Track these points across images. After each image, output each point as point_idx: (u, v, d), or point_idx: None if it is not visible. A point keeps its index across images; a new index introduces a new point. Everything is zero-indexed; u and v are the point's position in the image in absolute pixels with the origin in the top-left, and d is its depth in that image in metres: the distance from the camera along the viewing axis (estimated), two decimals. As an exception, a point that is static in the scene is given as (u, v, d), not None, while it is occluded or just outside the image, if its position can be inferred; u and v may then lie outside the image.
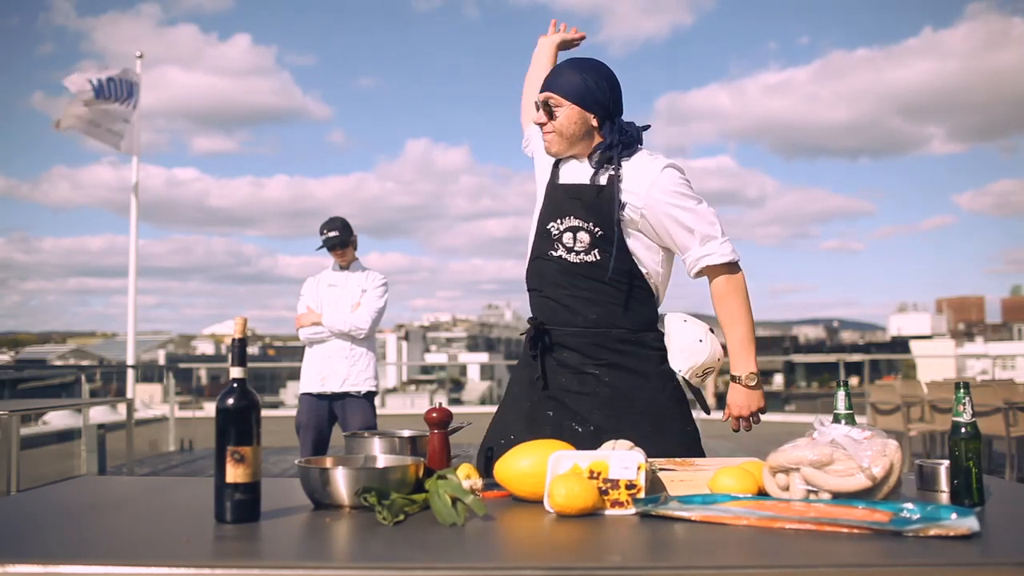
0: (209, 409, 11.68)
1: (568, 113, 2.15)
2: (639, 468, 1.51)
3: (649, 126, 2.22)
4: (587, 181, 2.14)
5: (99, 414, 8.98)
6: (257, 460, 1.44)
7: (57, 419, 10.42)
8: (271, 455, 9.14)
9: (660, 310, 2.22)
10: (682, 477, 1.63)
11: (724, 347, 2.16)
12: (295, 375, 6.33)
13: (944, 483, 1.55)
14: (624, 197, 2.10)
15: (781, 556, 1.20)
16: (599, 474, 1.51)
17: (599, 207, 2.10)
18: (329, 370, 4.67)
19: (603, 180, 2.12)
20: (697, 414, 2.25)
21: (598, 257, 2.11)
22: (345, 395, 4.67)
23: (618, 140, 2.14)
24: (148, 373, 17.44)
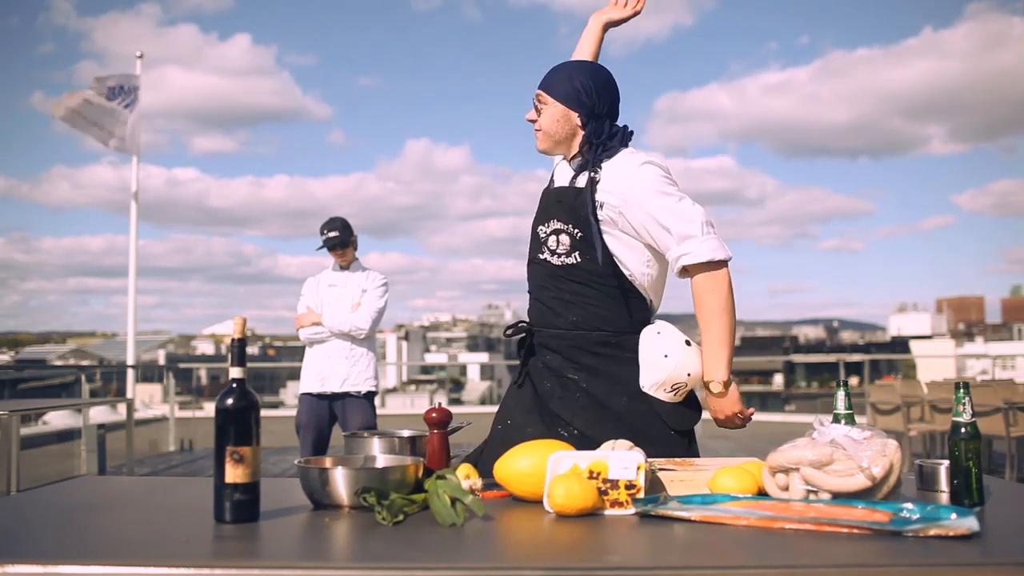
0: (209, 409, 11.67)
1: (551, 111, 2.17)
2: (639, 468, 1.51)
3: (632, 132, 2.20)
4: (568, 183, 2.15)
5: (99, 414, 8.98)
6: (257, 460, 1.44)
7: (57, 419, 10.43)
8: (271, 455, 9.14)
9: (659, 314, 2.21)
10: (682, 477, 1.63)
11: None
12: (295, 375, 6.33)
13: (944, 483, 1.55)
14: (602, 197, 2.08)
15: (781, 556, 1.20)
16: (599, 474, 1.51)
17: (577, 208, 2.09)
18: (329, 370, 4.67)
19: (581, 181, 2.12)
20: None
21: (579, 259, 2.10)
22: (345, 395, 4.67)
23: (596, 142, 2.13)
24: (148, 373, 17.45)
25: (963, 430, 1.57)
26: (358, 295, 4.73)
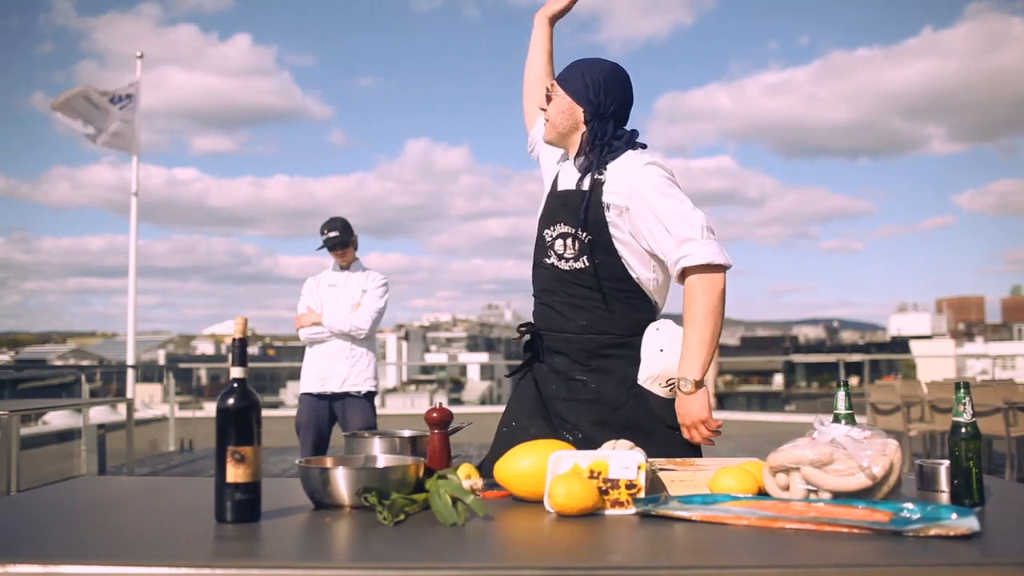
0: (209, 409, 11.68)
1: (559, 103, 2.18)
2: (639, 468, 1.51)
3: (639, 135, 2.20)
4: (574, 186, 2.14)
5: (99, 414, 8.98)
6: (257, 460, 1.44)
7: (57, 419, 10.42)
8: (271, 455, 9.14)
9: (663, 314, 2.21)
10: (682, 477, 1.63)
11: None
12: (295, 375, 6.33)
13: (944, 483, 1.55)
14: (608, 199, 2.08)
15: (781, 556, 1.20)
16: (599, 474, 1.51)
17: (583, 212, 2.09)
18: (329, 370, 4.67)
19: (586, 184, 2.11)
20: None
21: (587, 264, 2.10)
22: (345, 395, 4.67)
23: (598, 142, 2.13)
24: (148, 373, 17.44)
25: (963, 430, 1.57)
26: (358, 295, 4.73)
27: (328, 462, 1.66)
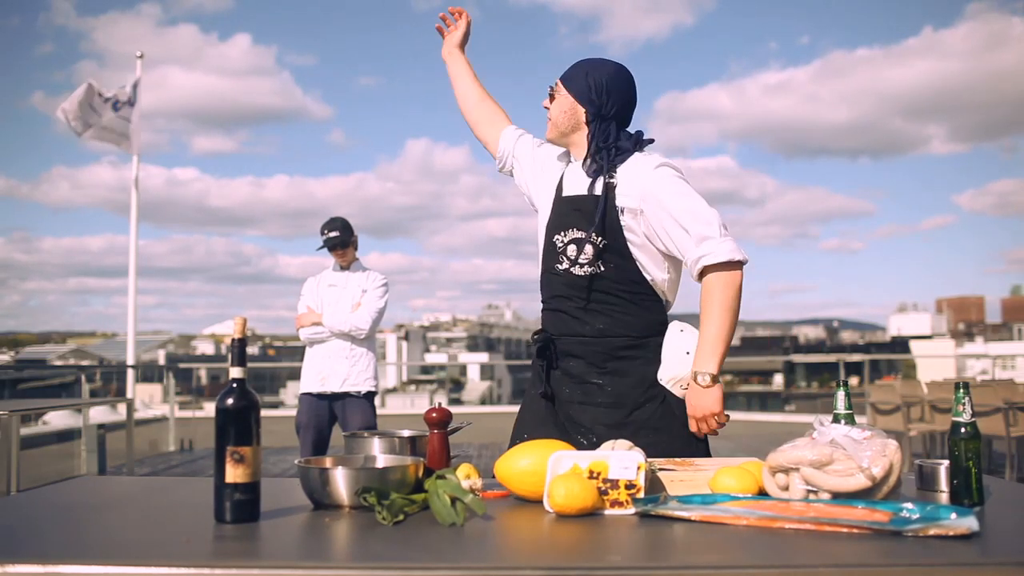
0: (209, 409, 11.67)
1: (561, 102, 2.19)
2: (639, 468, 1.51)
3: (644, 135, 2.19)
4: (585, 191, 2.13)
5: (99, 414, 8.98)
6: (257, 460, 1.44)
7: (57, 419, 10.42)
8: (271, 455, 9.14)
9: (673, 313, 2.21)
10: (682, 477, 1.63)
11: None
12: (295, 375, 6.33)
13: (944, 483, 1.55)
14: (621, 202, 2.09)
15: (781, 556, 1.20)
16: (599, 474, 1.51)
17: (598, 216, 2.08)
18: (329, 370, 4.67)
19: (599, 188, 2.11)
20: None
21: (603, 268, 2.10)
22: (345, 395, 4.67)
23: (605, 144, 2.13)
24: (148, 373, 17.45)
25: (963, 430, 1.57)
26: (358, 295, 4.73)
27: (328, 462, 1.66)
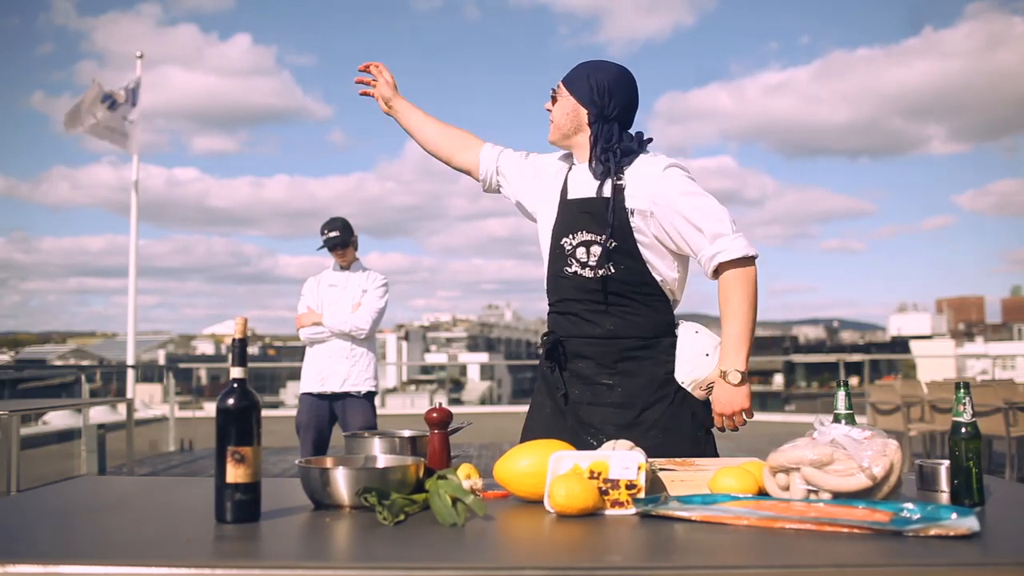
0: (209, 409, 11.69)
1: (563, 104, 2.20)
2: (639, 468, 1.51)
3: (646, 137, 2.20)
4: (593, 194, 2.13)
5: (99, 414, 8.98)
6: (257, 460, 1.44)
7: (57, 419, 10.43)
8: (271, 455, 9.14)
9: (677, 312, 2.21)
10: (682, 477, 1.63)
11: None
12: (295, 375, 6.33)
13: (944, 483, 1.55)
14: (631, 203, 2.09)
15: (781, 556, 1.20)
16: (599, 474, 1.51)
17: (609, 219, 2.09)
18: (329, 370, 4.67)
19: (607, 190, 2.11)
20: None
21: (612, 270, 2.11)
22: (345, 395, 4.67)
23: (608, 145, 2.13)
24: (148, 373, 17.45)
25: (963, 430, 1.57)
26: (358, 295, 4.74)
27: (328, 462, 1.66)
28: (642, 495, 1.48)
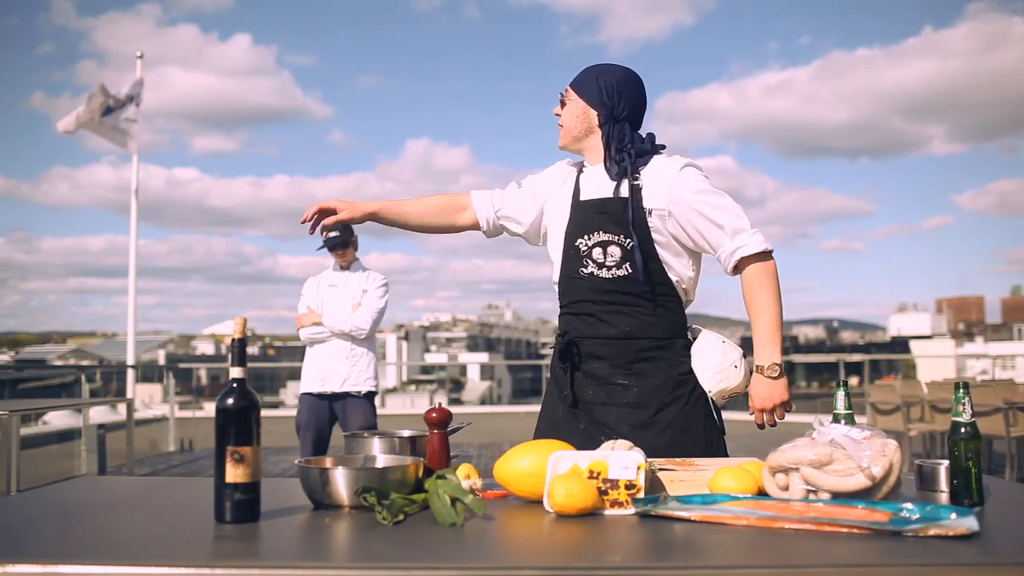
0: (209, 409, 11.68)
1: (572, 107, 2.21)
2: (639, 468, 1.51)
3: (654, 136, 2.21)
4: (609, 194, 2.13)
5: (99, 414, 8.98)
6: (257, 460, 1.44)
7: (57, 419, 10.42)
8: (271, 455, 9.14)
9: (688, 312, 2.22)
10: (682, 477, 1.63)
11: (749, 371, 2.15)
12: (295, 375, 6.33)
13: (944, 483, 1.55)
14: (648, 203, 2.10)
15: (781, 556, 1.20)
16: (599, 474, 1.51)
17: (627, 219, 2.09)
18: (329, 370, 4.67)
19: (624, 191, 2.11)
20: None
21: (630, 270, 2.11)
22: (345, 395, 4.67)
23: (619, 145, 2.14)
24: (148, 373, 17.45)
25: (963, 430, 1.57)
26: (358, 295, 4.74)
27: (328, 462, 1.66)
28: (641, 495, 1.48)
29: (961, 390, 1.59)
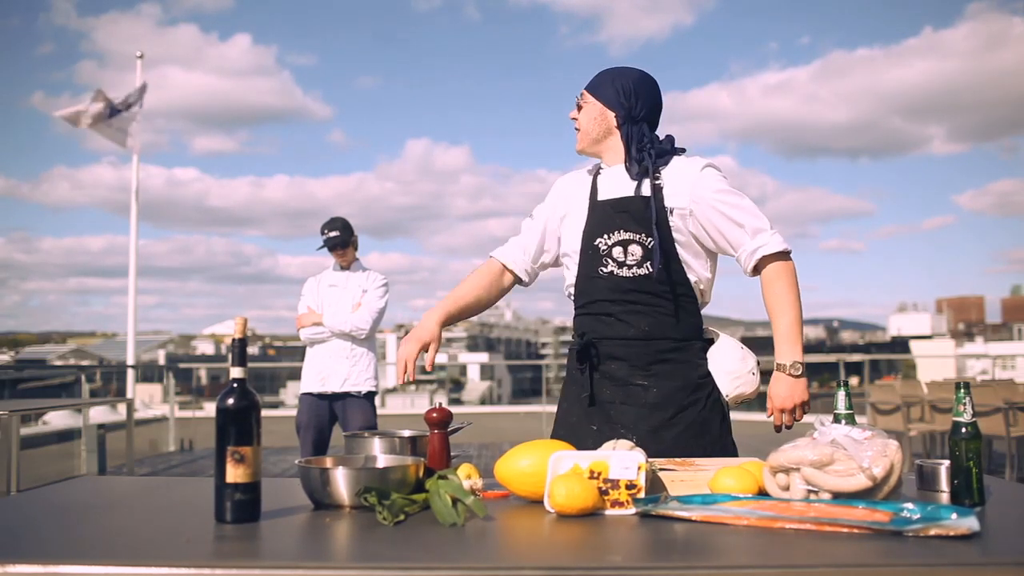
0: (209, 409, 11.68)
1: (589, 109, 2.21)
2: (639, 468, 1.51)
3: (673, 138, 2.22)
4: (630, 193, 2.13)
5: (99, 414, 8.98)
6: (257, 460, 1.44)
7: (57, 419, 10.44)
8: (271, 455, 9.14)
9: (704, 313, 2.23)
10: (682, 477, 1.63)
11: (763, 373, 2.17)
12: (295, 375, 6.33)
13: (944, 483, 1.55)
14: (670, 202, 2.11)
15: (781, 556, 1.20)
16: (599, 474, 1.51)
17: (649, 218, 2.09)
18: (329, 370, 4.67)
19: (646, 190, 2.11)
20: None
21: (650, 269, 2.11)
22: (345, 395, 4.67)
23: (638, 145, 2.15)
24: (148, 373, 17.46)
25: (963, 430, 1.57)
26: (358, 295, 4.74)
27: (328, 462, 1.66)
28: (642, 495, 1.48)
29: (962, 390, 1.58)
